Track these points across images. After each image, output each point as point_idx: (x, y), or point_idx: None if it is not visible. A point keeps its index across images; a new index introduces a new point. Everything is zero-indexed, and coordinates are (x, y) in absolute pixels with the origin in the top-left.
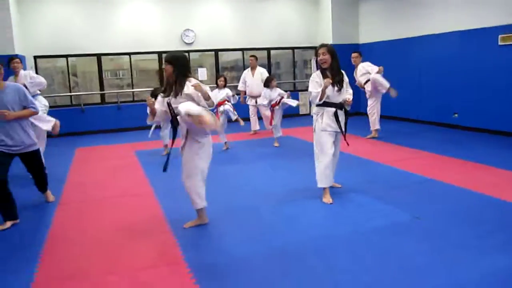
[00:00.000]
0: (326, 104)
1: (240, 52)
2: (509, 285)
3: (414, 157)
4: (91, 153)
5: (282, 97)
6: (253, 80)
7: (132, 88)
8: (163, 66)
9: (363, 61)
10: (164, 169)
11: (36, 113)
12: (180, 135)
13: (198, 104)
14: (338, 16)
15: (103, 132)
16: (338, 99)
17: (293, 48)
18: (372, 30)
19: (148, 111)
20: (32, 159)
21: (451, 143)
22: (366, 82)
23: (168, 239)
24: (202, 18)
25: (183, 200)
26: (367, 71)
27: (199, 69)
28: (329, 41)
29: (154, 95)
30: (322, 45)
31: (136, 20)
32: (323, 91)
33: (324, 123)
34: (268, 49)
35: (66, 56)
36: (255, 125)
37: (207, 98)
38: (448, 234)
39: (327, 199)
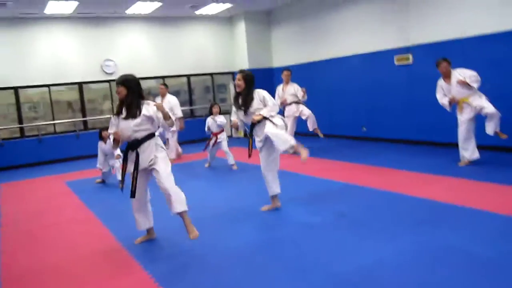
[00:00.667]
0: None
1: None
2: (418, 258)
3: (333, 167)
4: (18, 187)
5: (222, 130)
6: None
7: (53, 120)
8: (116, 89)
9: (277, 83)
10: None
11: None
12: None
13: (158, 124)
14: (252, 42)
15: (24, 167)
16: (248, 120)
17: (211, 74)
18: (284, 54)
19: (111, 141)
20: None
21: (362, 153)
22: (291, 103)
23: (126, 259)
24: (122, 47)
25: (126, 221)
26: (294, 93)
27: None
28: (245, 66)
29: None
30: (240, 71)
31: (54, 51)
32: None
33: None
34: (188, 76)
35: None
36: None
37: (167, 118)
38: (367, 223)
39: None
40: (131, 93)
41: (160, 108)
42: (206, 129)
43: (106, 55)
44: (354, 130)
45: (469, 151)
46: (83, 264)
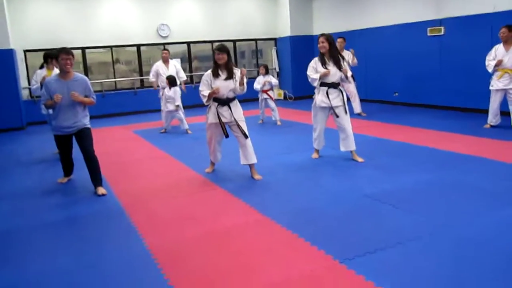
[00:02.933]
0: (322, 84)
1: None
2: (432, 186)
3: (369, 125)
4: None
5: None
6: (167, 72)
7: (114, 78)
8: (216, 55)
9: (316, 49)
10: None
11: (94, 103)
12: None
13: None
14: (294, 10)
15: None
16: (332, 79)
17: (255, 40)
18: (324, 23)
19: (205, 97)
20: (84, 135)
21: (394, 116)
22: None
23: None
24: (175, 13)
25: (192, 157)
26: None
27: (172, 60)
28: (288, 33)
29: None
30: (322, 35)
31: (117, 16)
32: (320, 78)
33: (319, 99)
34: (234, 41)
35: (53, 50)
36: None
37: (242, 84)
38: (393, 165)
39: (315, 155)
40: (229, 59)
41: (243, 74)
42: (255, 85)
43: (161, 20)
44: (387, 95)
45: (494, 116)
46: (174, 185)
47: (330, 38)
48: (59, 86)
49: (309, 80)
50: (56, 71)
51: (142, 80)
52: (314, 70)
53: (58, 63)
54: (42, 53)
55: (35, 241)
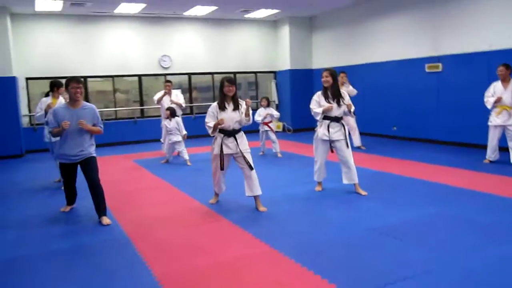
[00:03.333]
0: (325, 117)
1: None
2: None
3: (369, 158)
4: None
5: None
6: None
7: (115, 107)
8: (226, 87)
9: (318, 85)
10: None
11: (101, 132)
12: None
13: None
14: (294, 44)
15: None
16: (335, 113)
17: (255, 72)
18: (323, 57)
19: (210, 128)
20: (90, 164)
21: (393, 149)
22: None
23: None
24: (177, 45)
25: (196, 188)
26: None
27: (174, 91)
28: (287, 66)
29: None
30: (326, 69)
31: (119, 46)
32: (323, 112)
33: (320, 132)
34: (234, 73)
35: (56, 78)
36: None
37: (247, 115)
38: (396, 198)
39: (318, 188)
40: (235, 91)
41: (248, 104)
42: (256, 117)
43: (163, 51)
44: (386, 129)
45: (492, 152)
46: (178, 216)
47: (333, 73)
48: (67, 114)
49: (312, 113)
50: (61, 99)
51: (142, 110)
52: (317, 104)
53: (68, 91)
54: (43, 81)
55: (41, 270)
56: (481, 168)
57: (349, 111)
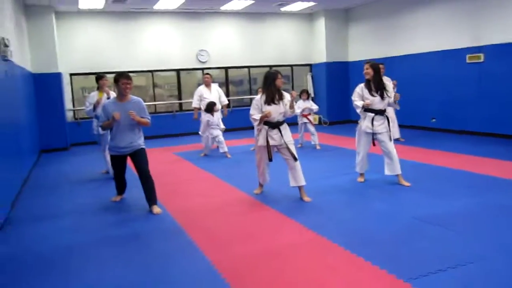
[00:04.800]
0: (368, 110)
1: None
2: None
3: (408, 150)
4: None
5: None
6: (210, 96)
7: (154, 101)
8: (279, 80)
9: (354, 77)
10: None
11: (149, 124)
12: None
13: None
14: (330, 37)
15: None
16: (379, 106)
17: (291, 66)
18: (359, 50)
19: (256, 120)
20: (140, 155)
21: (432, 141)
22: None
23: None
24: (214, 40)
25: (239, 179)
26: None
27: (212, 84)
28: (323, 59)
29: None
30: (367, 62)
31: (158, 41)
32: (363, 107)
33: (364, 125)
34: (270, 66)
35: (97, 73)
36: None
37: (292, 107)
38: (438, 188)
39: (360, 179)
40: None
41: (293, 97)
42: (296, 109)
43: (201, 46)
44: (424, 121)
45: None
46: (226, 205)
47: (374, 65)
48: (116, 108)
49: (353, 105)
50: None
51: (180, 104)
52: (360, 96)
53: (118, 86)
54: (85, 77)
55: (101, 255)
56: None
57: (395, 102)
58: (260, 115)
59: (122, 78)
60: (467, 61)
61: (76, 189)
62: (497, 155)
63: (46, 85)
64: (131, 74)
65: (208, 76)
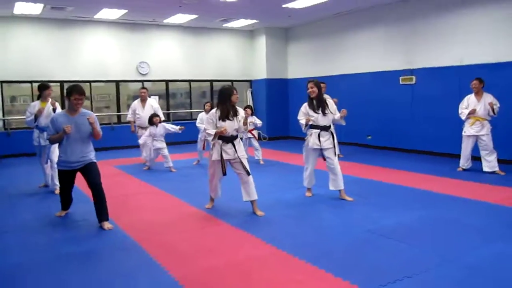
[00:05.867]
0: (313, 127)
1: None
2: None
3: (348, 166)
4: None
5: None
6: (143, 113)
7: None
8: (234, 96)
9: (293, 94)
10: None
11: (100, 135)
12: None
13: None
14: (270, 54)
15: None
16: (323, 122)
17: (232, 81)
18: (298, 67)
19: (211, 135)
20: (92, 169)
21: (370, 157)
22: None
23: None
24: (155, 52)
25: (187, 193)
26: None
27: (152, 97)
28: (263, 75)
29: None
30: (311, 81)
31: (97, 51)
32: (306, 124)
33: (311, 141)
34: (211, 81)
35: (31, 82)
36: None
37: (246, 124)
38: (382, 203)
39: (308, 194)
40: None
41: (248, 114)
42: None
43: (141, 58)
44: (361, 138)
45: (465, 160)
46: (179, 220)
47: (318, 84)
48: (67, 121)
49: (300, 124)
50: (49, 104)
51: (119, 116)
52: (305, 115)
53: (69, 100)
54: (17, 85)
55: (56, 274)
56: (456, 176)
57: (341, 118)
58: (215, 130)
59: (74, 93)
60: (401, 82)
61: (15, 204)
62: (432, 172)
63: None
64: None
65: (144, 90)
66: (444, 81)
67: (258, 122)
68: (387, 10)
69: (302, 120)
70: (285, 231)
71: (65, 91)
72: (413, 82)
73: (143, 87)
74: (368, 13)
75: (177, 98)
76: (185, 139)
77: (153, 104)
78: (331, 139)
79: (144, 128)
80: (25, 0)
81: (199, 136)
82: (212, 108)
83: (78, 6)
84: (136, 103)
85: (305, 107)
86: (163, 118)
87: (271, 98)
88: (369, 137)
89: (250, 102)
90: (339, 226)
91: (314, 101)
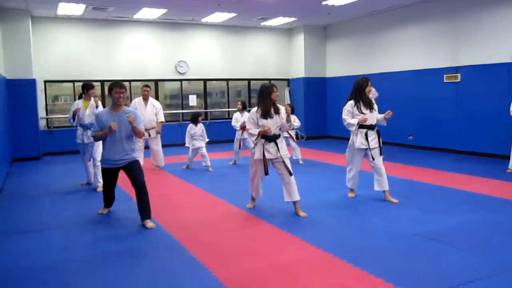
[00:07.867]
0: (360, 126)
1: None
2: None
3: (390, 166)
4: None
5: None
6: (146, 111)
7: None
8: (274, 93)
9: (331, 93)
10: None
11: (143, 133)
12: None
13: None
14: (309, 52)
15: None
16: (370, 121)
17: (270, 80)
18: (337, 66)
19: (254, 135)
20: (135, 167)
21: (412, 158)
22: None
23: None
24: (194, 51)
25: (229, 193)
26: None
27: (190, 96)
28: (302, 74)
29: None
30: (368, 79)
31: (137, 51)
32: (358, 123)
33: (358, 142)
34: (249, 80)
35: (73, 81)
36: (142, 156)
37: (289, 121)
38: (429, 205)
39: (351, 194)
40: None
41: (288, 111)
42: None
43: (180, 57)
44: (402, 138)
45: None
46: (220, 219)
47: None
48: (111, 118)
49: (345, 124)
50: (92, 102)
51: None
52: (351, 114)
53: (111, 96)
54: (59, 85)
55: (99, 272)
56: (505, 177)
57: (384, 119)
58: (257, 129)
59: (115, 87)
60: (445, 80)
61: (57, 201)
62: (478, 173)
63: (19, 92)
64: (107, 83)
65: (147, 89)
66: (492, 79)
67: (297, 123)
68: (429, 6)
69: (350, 120)
70: (330, 233)
71: (106, 90)
72: (458, 80)
73: (147, 85)
74: (410, 10)
75: (213, 97)
76: (221, 137)
77: (155, 104)
78: (377, 138)
79: (147, 129)
80: (68, 0)
81: (235, 136)
82: (243, 106)
83: (119, 6)
84: (138, 101)
85: (350, 106)
86: (162, 120)
87: (309, 97)
88: (410, 137)
89: (288, 101)
90: (386, 229)
91: (362, 100)
